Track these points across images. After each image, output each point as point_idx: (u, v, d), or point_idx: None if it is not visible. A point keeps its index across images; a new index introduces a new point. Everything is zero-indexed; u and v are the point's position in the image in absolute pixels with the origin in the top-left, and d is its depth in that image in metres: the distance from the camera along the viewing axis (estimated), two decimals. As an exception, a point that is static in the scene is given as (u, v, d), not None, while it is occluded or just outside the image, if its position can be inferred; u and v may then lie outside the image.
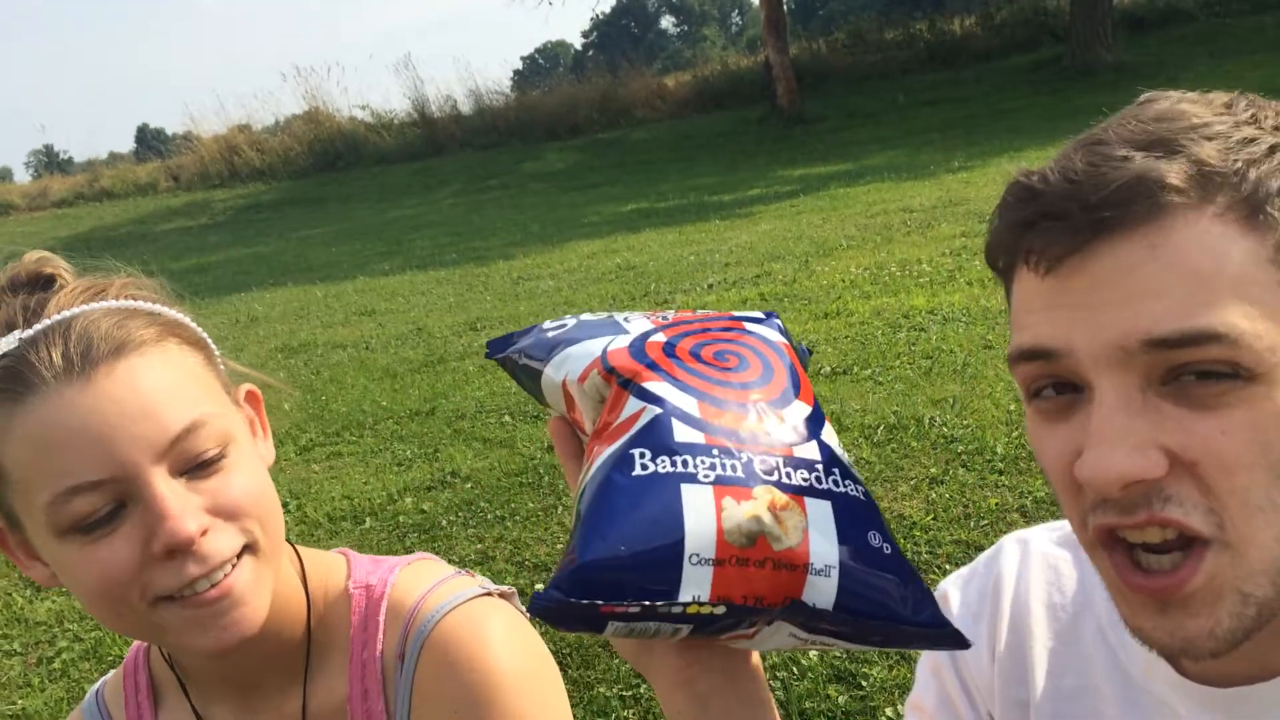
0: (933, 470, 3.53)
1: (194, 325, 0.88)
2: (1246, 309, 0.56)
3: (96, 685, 1.01)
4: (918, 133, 14.27)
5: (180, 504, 0.77)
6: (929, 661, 0.92)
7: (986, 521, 3.13)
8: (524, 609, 0.99)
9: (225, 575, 0.79)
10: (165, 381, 0.79)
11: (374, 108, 20.70)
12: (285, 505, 4.22)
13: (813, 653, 2.67)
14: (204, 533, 0.78)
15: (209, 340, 0.89)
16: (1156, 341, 0.57)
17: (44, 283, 0.85)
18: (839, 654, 2.65)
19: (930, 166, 11.12)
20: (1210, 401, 0.57)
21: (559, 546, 3.45)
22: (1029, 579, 0.87)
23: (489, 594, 0.95)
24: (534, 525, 3.65)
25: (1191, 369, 0.57)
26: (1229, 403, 0.57)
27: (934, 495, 3.36)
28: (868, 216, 8.84)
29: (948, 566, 2.94)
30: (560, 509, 3.73)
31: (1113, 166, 0.58)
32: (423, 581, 0.94)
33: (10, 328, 0.79)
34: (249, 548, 0.82)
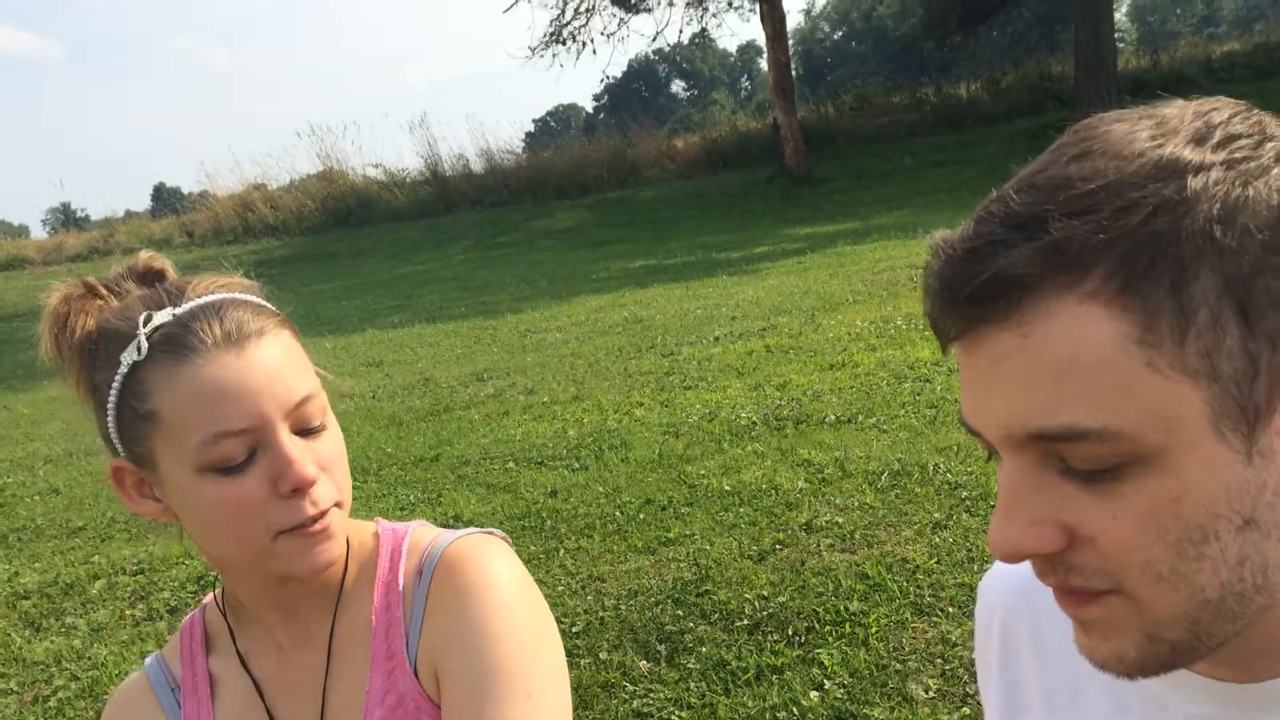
0: (936, 515, 3.52)
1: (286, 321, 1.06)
2: (1113, 400, 0.55)
3: (153, 654, 1.16)
4: (925, 193, 14.40)
5: (303, 454, 0.95)
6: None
7: (990, 565, 3.11)
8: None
9: (326, 514, 0.98)
10: (290, 359, 0.99)
11: (387, 166, 20.93)
12: (287, 548, 4.21)
13: (813, 694, 2.64)
14: (316, 479, 0.97)
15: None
16: (1035, 434, 0.57)
17: (157, 275, 1.04)
18: (840, 695, 2.62)
19: (936, 226, 11.15)
20: (1102, 486, 0.57)
21: (560, 589, 3.44)
22: (1019, 581, 0.87)
23: (490, 533, 1.11)
24: (535, 568, 3.63)
25: (1074, 459, 0.57)
26: (1120, 489, 0.56)
27: (937, 539, 3.34)
28: (874, 273, 8.89)
29: (951, 609, 2.92)
30: (562, 551, 3.72)
31: (982, 257, 0.56)
32: (434, 530, 1.12)
33: (157, 305, 0.97)
34: (337, 503, 1.00)
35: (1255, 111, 0.61)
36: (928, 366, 5.43)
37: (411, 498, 4.62)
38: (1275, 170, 0.56)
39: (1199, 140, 0.56)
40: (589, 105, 74.44)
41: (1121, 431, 0.54)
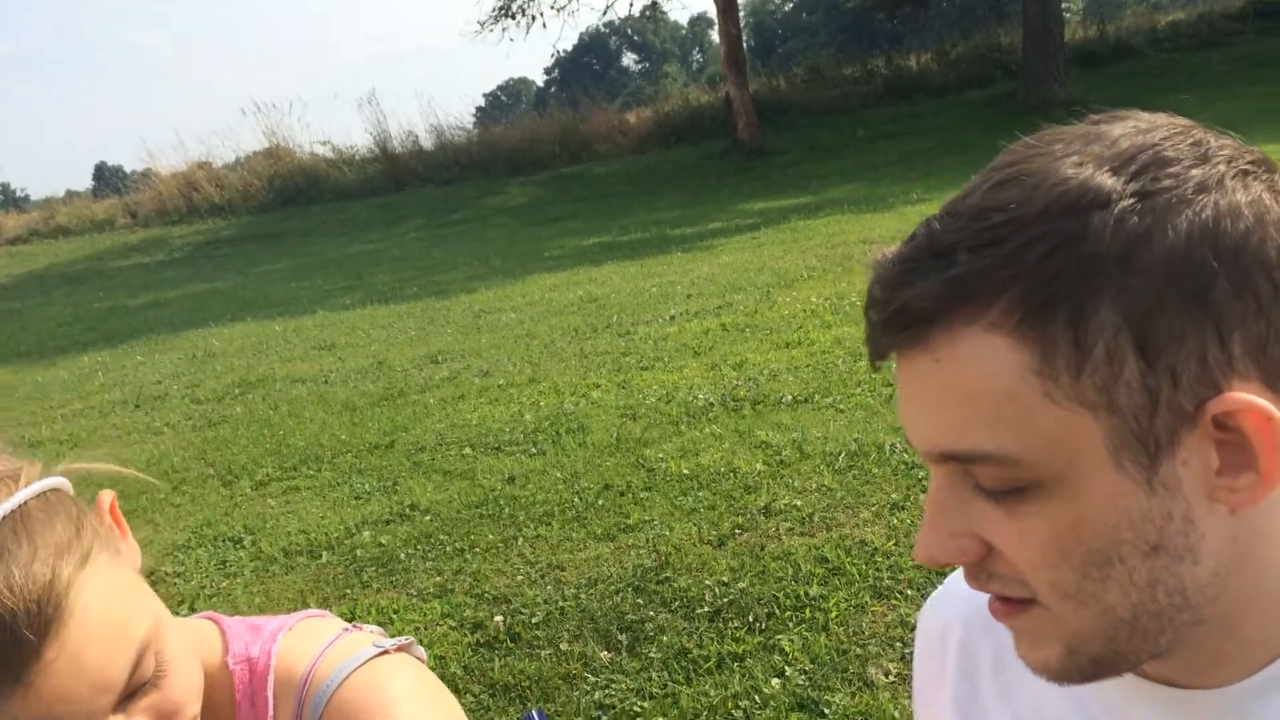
0: (894, 496, 3.53)
1: (67, 487, 0.72)
2: (1013, 427, 0.56)
3: None
4: (877, 166, 14.44)
5: None
6: (914, 706, 0.90)
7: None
8: (423, 656, 0.92)
9: None
10: (102, 634, 0.67)
11: (335, 143, 20.63)
12: (240, 540, 4.14)
13: (774, 681, 2.64)
14: None
15: (74, 497, 0.74)
16: (946, 454, 0.59)
17: None
18: (801, 681, 2.63)
19: (889, 199, 11.24)
20: (1009, 506, 0.58)
21: (519, 579, 3.41)
22: (980, 598, 0.85)
23: (385, 651, 0.87)
24: (494, 557, 3.60)
25: (981, 478, 0.59)
26: (1026, 510, 0.58)
27: (895, 521, 3.35)
28: (828, 248, 8.91)
29: (909, 591, 2.93)
30: (521, 540, 3.69)
31: (898, 285, 0.58)
32: (310, 646, 0.85)
33: None
34: None
35: (1194, 132, 0.59)
36: (883, 343, 5.44)
37: (367, 486, 4.56)
38: (1194, 201, 0.55)
39: (1118, 169, 0.56)
40: (540, 79, 73.84)
41: (1021, 458, 0.56)
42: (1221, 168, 0.57)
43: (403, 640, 0.90)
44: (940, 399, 0.58)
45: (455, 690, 2.83)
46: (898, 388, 0.62)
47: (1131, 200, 0.54)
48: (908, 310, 0.57)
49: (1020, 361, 0.55)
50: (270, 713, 0.82)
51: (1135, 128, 0.59)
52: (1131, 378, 0.54)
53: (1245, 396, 0.54)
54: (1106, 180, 0.55)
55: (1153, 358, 0.54)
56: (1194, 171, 0.56)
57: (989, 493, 0.59)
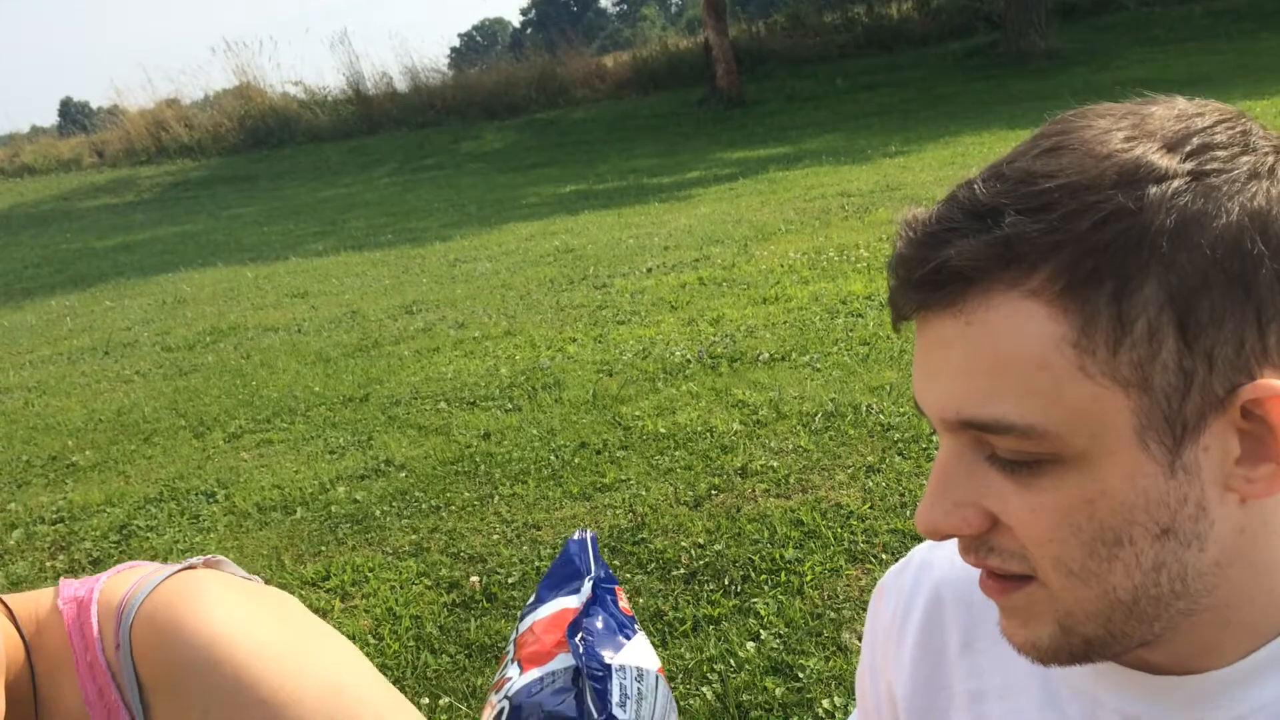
0: (870, 458, 3.54)
1: None
2: (1041, 399, 0.55)
3: None
4: (856, 117, 14.36)
5: None
6: (858, 675, 0.90)
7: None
8: (246, 573, 0.99)
9: None
10: None
11: (307, 84, 20.31)
12: (213, 495, 4.12)
13: (749, 645, 2.66)
14: None
15: None
16: (966, 422, 0.58)
17: None
18: (776, 645, 2.65)
19: (867, 151, 11.18)
20: (1023, 478, 0.58)
21: (495, 537, 3.41)
22: (954, 575, 0.85)
23: (191, 567, 0.96)
24: (470, 515, 3.59)
25: (1000, 448, 0.58)
26: (1040, 484, 0.58)
27: (871, 484, 3.36)
28: (806, 200, 8.87)
29: (884, 555, 2.95)
30: (497, 499, 3.68)
31: (935, 244, 0.57)
32: (131, 578, 0.96)
33: None
34: None
35: (1243, 120, 0.59)
36: (860, 301, 5.44)
37: (341, 440, 4.53)
38: (1246, 187, 0.55)
39: (1172, 147, 0.55)
40: (516, 20, 72.69)
41: (1046, 431, 0.55)
42: (1270, 158, 0.57)
43: (211, 557, 0.99)
44: (967, 365, 0.57)
45: (431, 651, 2.84)
46: (917, 351, 0.61)
47: (1187, 179, 0.54)
48: (945, 268, 0.56)
49: (1057, 332, 0.55)
50: (95, 634, 0.91)
51: (1183, 110, 0.59)
52: (1169, 357, 0.54)
53: (1278, 384, 0.55)
54: (1161, 157, 0.55)
55: (1192, 339, 0.54)
56: (1244, 158, 0.56)
57: (1003, 464, 0.58)
